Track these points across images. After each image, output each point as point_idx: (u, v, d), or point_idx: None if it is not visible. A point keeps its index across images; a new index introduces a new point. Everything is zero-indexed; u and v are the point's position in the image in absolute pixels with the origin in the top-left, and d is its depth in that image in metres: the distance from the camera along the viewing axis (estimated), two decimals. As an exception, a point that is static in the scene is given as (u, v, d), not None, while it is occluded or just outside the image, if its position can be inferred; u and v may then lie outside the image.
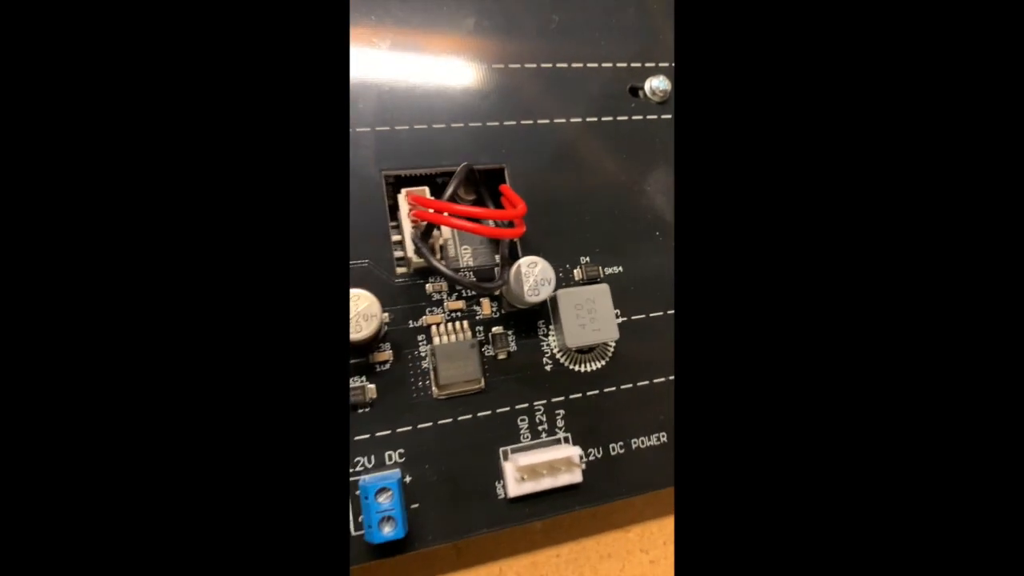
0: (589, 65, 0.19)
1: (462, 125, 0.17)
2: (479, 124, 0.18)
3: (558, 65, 0.19)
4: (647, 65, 0.20)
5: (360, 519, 0.14)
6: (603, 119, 0.19)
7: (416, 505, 0.15)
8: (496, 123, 0.18)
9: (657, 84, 0.19)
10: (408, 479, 0.15)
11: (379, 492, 0.14)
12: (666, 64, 0.20)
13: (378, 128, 0.17)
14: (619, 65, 0.20)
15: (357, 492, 0.14)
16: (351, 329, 0.14)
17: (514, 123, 0.18)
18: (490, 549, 0.18)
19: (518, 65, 0.18)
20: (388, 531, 0.14)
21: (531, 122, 0.18)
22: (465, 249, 0.17)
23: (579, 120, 0.19)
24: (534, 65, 0.19)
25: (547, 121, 0.18)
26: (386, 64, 0.17)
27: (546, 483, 0.15)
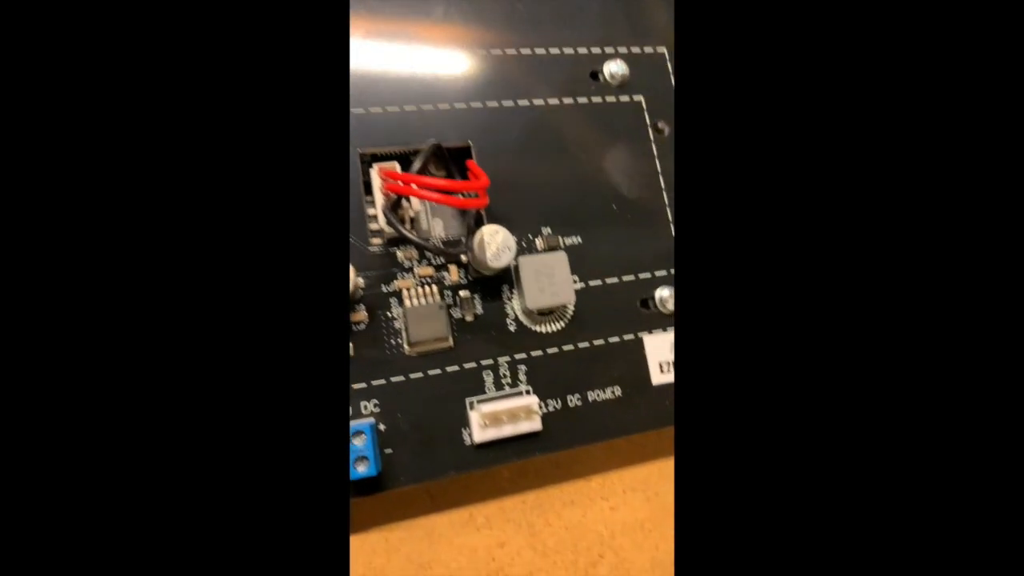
0: (551, 51, 0.21)
1: (432, 107, 0.19)
2: (447, 106, 0.19)
3: (522, 51, 0.20)
4: (607, 51, 0.21)
5: (339, 461, 0.16)
6: (564, 101, 0.20)
7: (390, 450, 0.17)
8: (463, 105, 0.19)
9: (615, 69, 0.21)
10: (382, 427, 0.17)
11: (354, 435, 0.15)
12: (624, 50, 0.21)
13: (354, 110, 0.18)
14: (580, 51, 0.21)
15: (336, 438, 0.16)
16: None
17: (480, 105, 0.19)
18: (461, 495, 0.19)
19: (484, 51, 0.20)
20: (362, 469, 0.15)
21: (496, 104, 0.20)
22: (437, 221, 0.19)
23: (542, 102, 0.20)
24: (499, 51, 0.20)
25: (512, 103, 0.20)
26: (361, 51, 0.19)
27: (507, 430, 0.17)
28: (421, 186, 0.17)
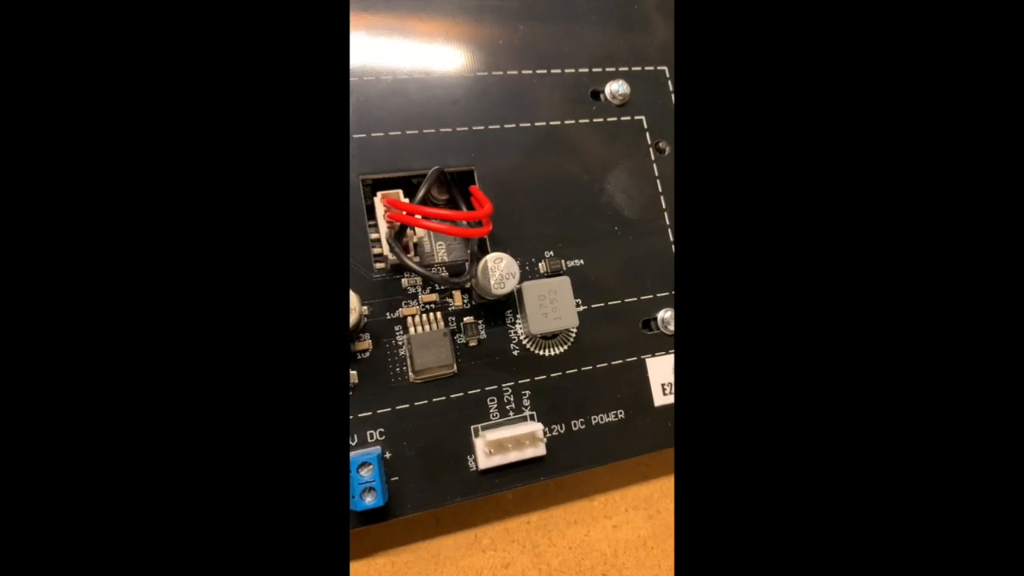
0: (553, 71, 0.21)
1: (433, 131, 0.19)
2: (450, 129, 0.19)
3: (523, 72, 0.20)
4: (607, 70, 0.21)
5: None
6: (566, 122, 0.20)
7: (396, 478, 0.17)
8: (465, 128, 0.19)
9: (616, 88, 0.21)
10: (388, 455, 0.17)
11: (361, 466, 0.16)
12: (625, 69, 0.21)
13: (355, 135, 0.18)
14: (581, 70, 0.21)
15: (342, 467, 0.16)
16: (333, 322, 0.16)
17: (482, 128, 0.19)
18: (466, 517, 0.19)
19: (486, 73, 0.20)
20: (370, 500, 0.15)
21: (498, 126, 0.20)
22: (440, 245, 0.19)
23: (543, 123, 0.20)
24: (501, 72, 0.20)
25: (513, 125, 0.20)
26: (362, 76, 0.18)
27: (513, 456, 0.17)
28: (424, 216, 0.17)
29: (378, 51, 0.19)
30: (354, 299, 0.16)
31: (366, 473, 0.16)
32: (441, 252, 0.19)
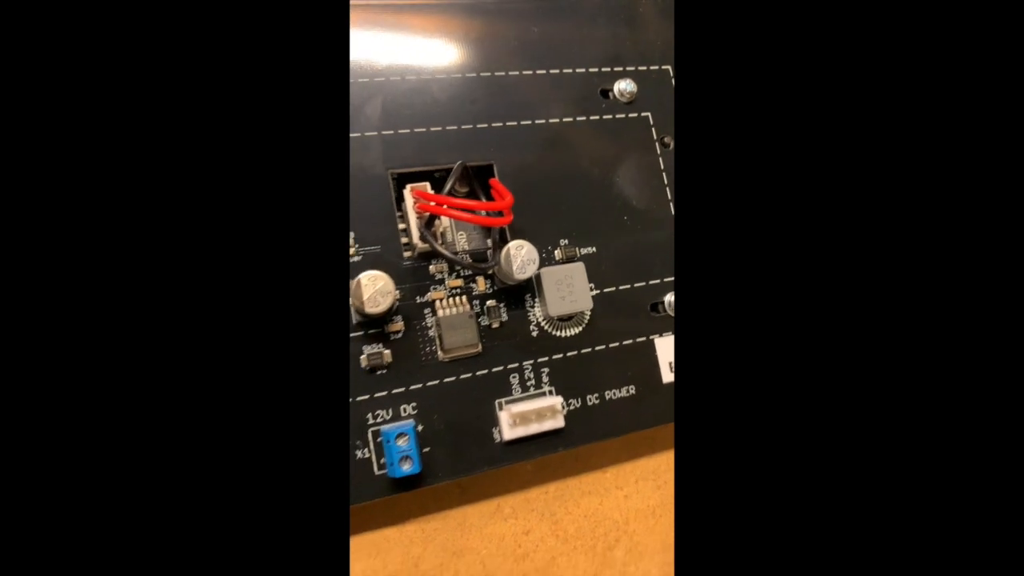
0: (565, 71, 0.22)
1: (455, 127, 0.20)
2: (470, 126, 0.20)
3: (538, 72, 0.22)
4: (615, 69, 0.23)
5: (382, 460, 0.17)
6: (578, 119, 0.22)
7: (428, 449, 0.18)
8: (485, 124, 0.21)
9: (624, 86, 0.22)
10: (420, 428, 0.18)
11: (398, 436, 0.17)
12: (632, 68, 0.23)
13: (383, 132, 0.19)
14: (591, 70, 0.22)
15: (380, 439, 0.18)
16: (371, 305, 0.17)
17: (500, 124, 0.21)
18: (489, 487, 0.21)
19: (503, 72, 0.21)
20: (407, 467, 0.17)
21: (515, 123, 0.21)
22: (461, 235, 0.20)
23: (557, 120, 0.21)
24: (517, 72, 0.21)
25: (529, 122, 0.21)
26: (388, 76, 0.20)
27: (534, 428, 0.19)
28: (452, 207, 0.18)
29: (404, 53, 0.20)
30: (390, 284, 0.17)
31: (403, 443, 0.17)
32: (462, 241, 0.20)
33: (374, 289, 0.17)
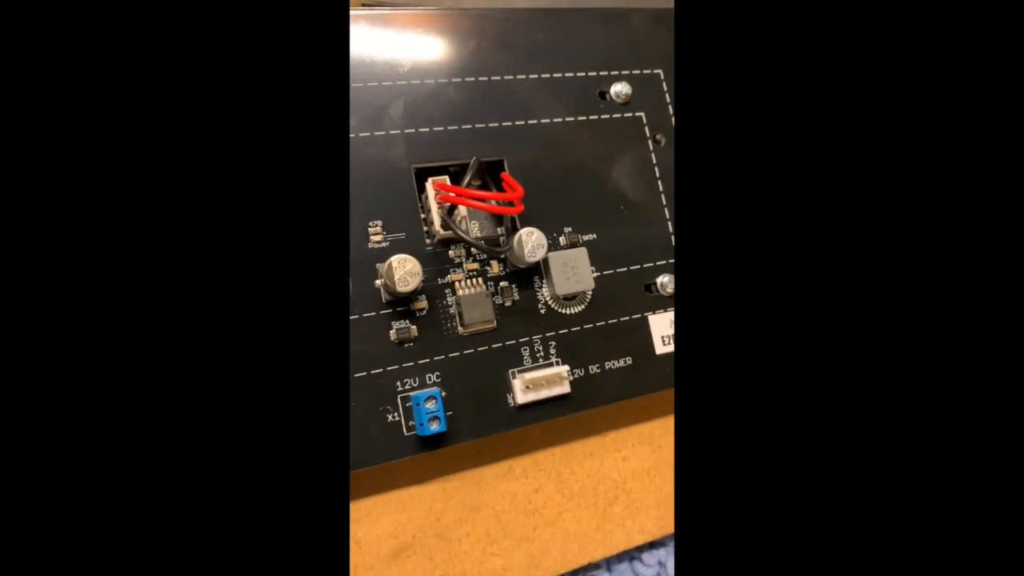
0: (566, 74, 0.24)
1: (470, 126, 0.22)
2: (483, 125, 0.23)
3: (542, 75, 0.24)
4: (612, 73, 0.25)
5: (411, 423, 0.20)
6: (579, 118, 0.24)
7: (451, 413, 0.20)
8: (496, 124, 0.23)
9: (620, 88, 0.25)
10: (444, 394, 0.20)
11: (427, 399, 0.19)
12: (627, 72, 0.25)
13: (406, 131, 0.22)
14: (590, 74, 0.25)
15: (409, 404, 0.20)
16: (401, 284, 0.19)
17: (510, 123, 0.23)
18: (502, 450, 0.23)
19: (511, 76, 0.23)
20: (435, 427, 0.19)
21: (523, 122, 0.23)
22: (475, 223, 0.23)
23: (560, 120, 0.24)
24: (524, 76, 0.24)
25: (535, 121, 0.23)
26: (410, 80, 0.22)
27: (544, 393, 0.21)
28: (471, 197, 0.20)
29: (424, 58, 0.22)
30: (417, 265, 0.20)
31: (431, 405, 0.19)
32: (475, 229, 0.23)
33: (404, 271, 0.19)
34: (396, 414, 0.20)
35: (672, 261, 0.24)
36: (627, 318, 0.23)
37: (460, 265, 0.22)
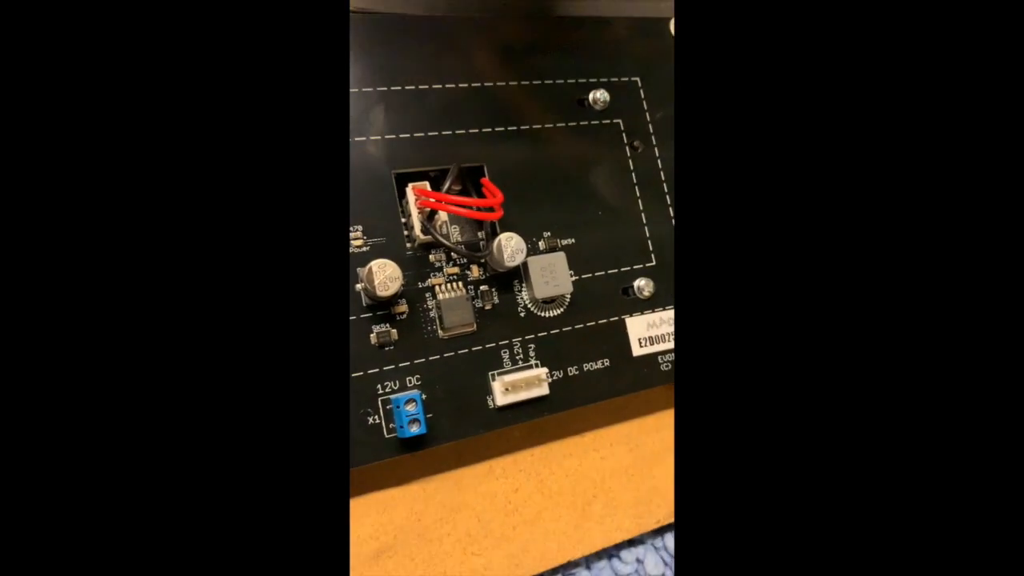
0: (546, 81, 0.25)
1: (450, 132, 0.23)
2: (463, 131, 0.23)
3: (522, 83, 0.24)
4: (591, 80, 0.25)
5: (391, 425, 0.20)
6: (557, 125, 0.25)
7: (431, 415, 0.21)
8: (476, 130, 0.23)
9: (599, 96, 0.25)
10: (424, 396, 0.21)
11: (407, 402, 0.19)
12: (605, 80, 0.26)
13: (386, 136, 0.22)
14: (569, 81, 0.25)
15: (389, 407, 0.20)
16: (381, 288, 0.20)
17: (490, 130, 0.23)
18: (482, 451, 0.24)
19: (491, 83, 0.24)
20: (415, 429, 0.19)
21: (503, 128, 0.24)
22: (455, 228, 0.23)
23: (539, 126, 0.24)
24: (504, 83, 0.24)
25: (515, 128, 0.24)
26: (390, 86, 0.22)
27: (523, 394, 0.21)
28: (450, 203, 0.21)
29: (404, 64, 0.22)
30: (396, 270, 0.20)
31: (411, 407, 0.19)
32: (455, 234, 0.23)
33: (384, 275, 0.20)
34: (377, 417, 0.20)
35: (650, 265, 0.25)
36: (605, 321, 0.24)
37: (440, 269, 0.22)
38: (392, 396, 0.20)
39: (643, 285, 0.24)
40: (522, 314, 0.23)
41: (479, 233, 0.23)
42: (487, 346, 0.22)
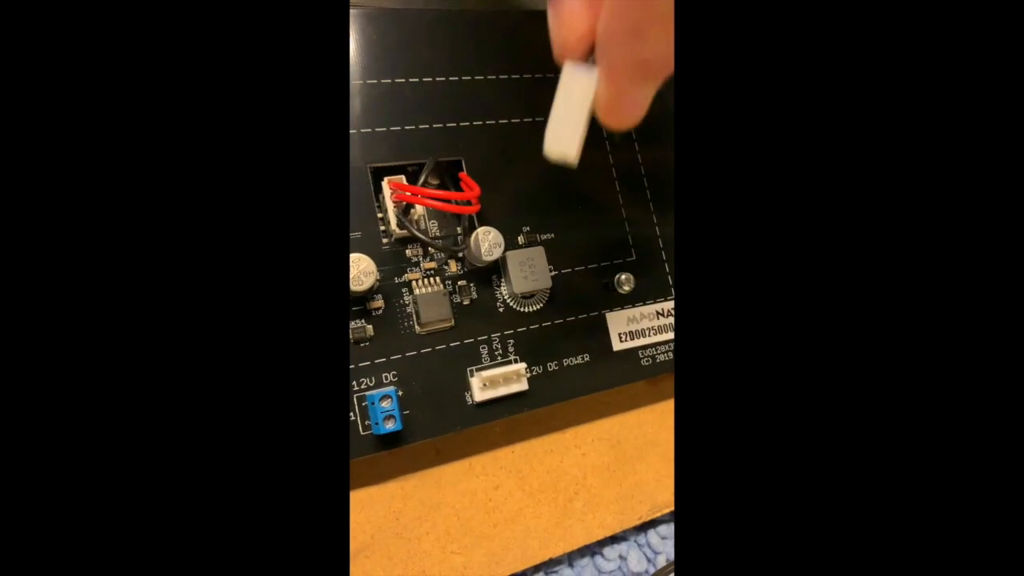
0: (524, 75, 0.24)
1: (427, 126, 0.22)
2: (440, 125, 0.23)
3: (500, 76, 0.24)
4: (569, 75, 0.25)
5: (367, 422, 0.20)
6: (536, 119, 0.24)
7: (408, 411, 0.20)
8: (454, 124, 0.23)
9: (577, 90, 0.25)
10: (401, 393, 0.20)
11: (382, 398, 0.19)
12: (584, 74, 0.26)
13: (363, 130, 0.22)
14: (548, 75, 0.25)
15: (364, 403, 0.20)
16: (355, 283, 0.19)
17: (468, 123, 0.23)
18: (462, 448, 0.23)
19: (469, 77, 0.24)
20: (390, 425, 0.19)
21: (481, 122, 0.23)
22: (433, 222, 0.23)
23: (518, 120, 0.24)
24: (482, 77, 0.24)
25: (493, 121, 0.24)
26: (365, 79, 0.22)
27: (501, 390, 0.21)
28: (427, 196, 0.20)
29: (379, 57, 0.22)
30: (371, 264, 0.20)
31: (386, 404, 0.19)
32: (434, 228, 0.23)
33: (358, 270, 0.19)
34: (352, 414, 0.20)
35: (630, 259, 0.25)
36: (585, 316, 0.24)
37: (417, 264, 0.22)
38: (367, 393, 0.20)
39: (623, 279, 0.24)
40: (501, 309, 0.22)
41: (457, 228, 0.23)
42: (465, 341, 0.22)
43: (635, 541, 0.26)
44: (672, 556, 0.26)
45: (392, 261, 0.21)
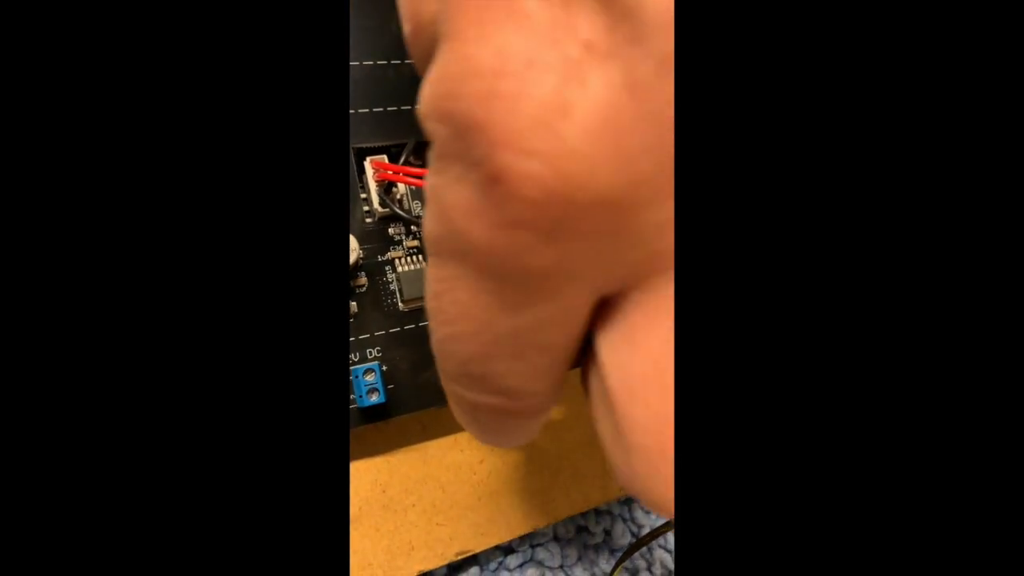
0: (506, 57, 0.25)
1: (409, 107, 0.23)
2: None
3: (482, 58, 0.24)
4: (551, 56, 0.26)
5: (352, 395, 0.20)
6: (518, 100, 0.25)
7: (392, 386, 0.21)
8: (436, 105, 0.23)
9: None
10: (385, 368, 0.21)
11: (366, 372, 0.20)
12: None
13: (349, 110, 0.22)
14: (529, 57, 0.25)
15: (349, 378, 0.20)
16: (338, 259, 0.20)
17: (450, 105, 0.23)
18: (447, 425, 0.24)
19: (451, 59, 0.24)
20: (374, 398, 0.20)
21: (463, 104, 0.24)
22: (416, 203, 0.23)
23: (500, 101, 0.24)
24: (463, 59, 0.24)
25: (475, 103, 0.24)
26: (349, 61, 0.22)
27: (484, 365, 0.22)
28: (408, 175, 0.21)
29: (361, 39, 0.23)
30: (353, 242, 0.20)
31: (370, 377, 0.20)
32: (417, 208, 0.23)
33: (341, 247, 0.20)
34: (337, 388, 0.20)
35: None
36: (567, 293, 0.24)
37: (400, 243, 0.22)
38: (352, 367, 0.20)
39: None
40: (483, 287, 0.23)
41: (440, 208, 0.23)
42: (448, 318, 0.22)
43: (620, 516, 0.27)
44: (656, 526, 0.26)
45: (375, 240, 0.22)
